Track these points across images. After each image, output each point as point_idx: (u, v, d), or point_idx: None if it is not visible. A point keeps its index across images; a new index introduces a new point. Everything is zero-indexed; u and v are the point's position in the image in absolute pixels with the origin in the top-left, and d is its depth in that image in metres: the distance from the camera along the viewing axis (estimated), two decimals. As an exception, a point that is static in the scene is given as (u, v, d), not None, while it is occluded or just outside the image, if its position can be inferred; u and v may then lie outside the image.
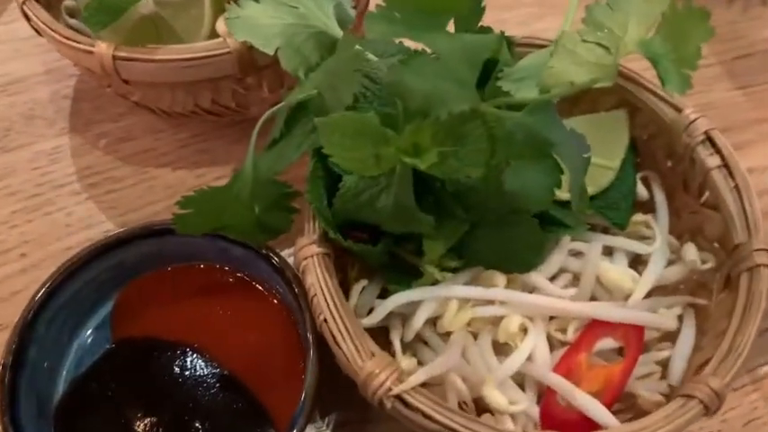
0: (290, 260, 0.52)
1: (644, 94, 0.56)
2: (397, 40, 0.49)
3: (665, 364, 0.52)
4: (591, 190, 0.54)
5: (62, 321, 0.55)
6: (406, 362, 0.48)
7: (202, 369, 0.54)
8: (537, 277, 0.51)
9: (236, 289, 0.58)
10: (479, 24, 0.50)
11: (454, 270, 0.50)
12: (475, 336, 0.50)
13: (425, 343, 0.51)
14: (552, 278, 0.52)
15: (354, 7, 0.56)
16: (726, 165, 0.53)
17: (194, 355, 0.54)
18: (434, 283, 0.50)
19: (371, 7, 0.51)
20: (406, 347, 0.51)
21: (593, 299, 0.52)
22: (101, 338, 0.57)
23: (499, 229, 0.49)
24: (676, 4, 0.41)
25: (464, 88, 0.39)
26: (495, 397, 0.45)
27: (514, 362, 0.48)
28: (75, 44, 0.59)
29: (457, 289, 0.49)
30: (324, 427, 0.57)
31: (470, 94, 0.39)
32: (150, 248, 0.57)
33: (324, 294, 0.46)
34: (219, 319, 0.56)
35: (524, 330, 0.49)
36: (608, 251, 0.54)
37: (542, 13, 0.85)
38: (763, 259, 0.49)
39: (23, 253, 0.65)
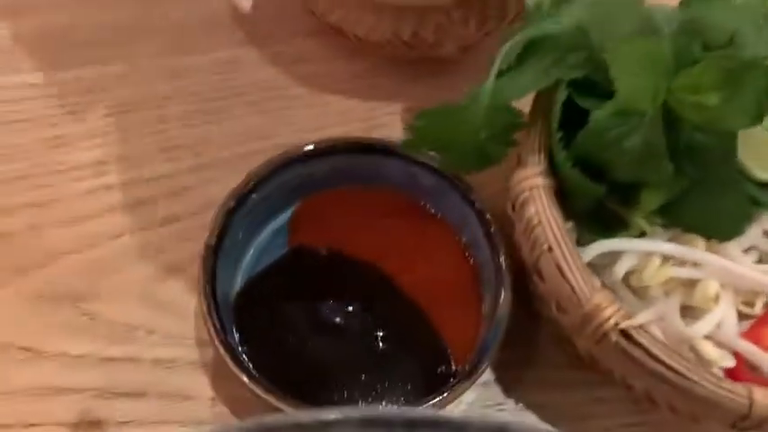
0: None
1: None
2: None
3: None
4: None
5: (252, 218, 0.56)
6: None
7: (385, 290, 0.55)
8: (733, 248, 0.51)
9: (419, 218, 0.58)
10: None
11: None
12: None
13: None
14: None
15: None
16: None
17: (378, 275, 0.55)
18: (639, 236, 0.50)
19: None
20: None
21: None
22: (278, 243, 0.58)
23: (710, 193, 0.49)
24: None
25: (760, 34, 0.39)
26: (709, 349, 0.46)
27: (707, 324, 0.48)
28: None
29: (662, 245, 0.49)
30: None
31: (765, 41, 0.40)
32: (342, 164, 0.58)
33: (550, 224, 0.46)
34: (402, 247, 0.57)
35: (716, 297, 0.49)
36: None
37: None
38: None
39: (198, 152, 0.66)
